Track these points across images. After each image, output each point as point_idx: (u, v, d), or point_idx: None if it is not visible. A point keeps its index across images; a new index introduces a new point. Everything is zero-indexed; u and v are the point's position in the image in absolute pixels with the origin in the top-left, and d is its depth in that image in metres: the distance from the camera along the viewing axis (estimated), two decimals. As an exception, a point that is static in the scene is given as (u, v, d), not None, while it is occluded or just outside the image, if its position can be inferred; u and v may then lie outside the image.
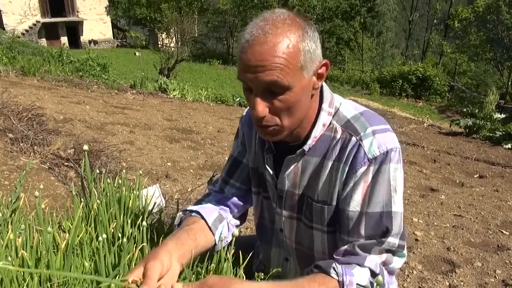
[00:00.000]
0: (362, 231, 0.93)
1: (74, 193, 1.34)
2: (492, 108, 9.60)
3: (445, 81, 21.69)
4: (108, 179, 1.36)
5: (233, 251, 1.01)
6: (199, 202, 1.16)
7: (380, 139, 0.92)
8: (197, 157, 3.79)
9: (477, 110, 8.82)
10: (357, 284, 0.89)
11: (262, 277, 1.01)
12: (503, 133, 6.88)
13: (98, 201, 1.24)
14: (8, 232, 1.02)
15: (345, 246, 0.94)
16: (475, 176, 4.64)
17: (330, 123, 0.98)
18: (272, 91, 0.86)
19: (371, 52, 34.30)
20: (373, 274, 0.92)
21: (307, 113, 0.95)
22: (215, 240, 1.06)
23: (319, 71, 0.91)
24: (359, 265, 0.91)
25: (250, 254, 1.08)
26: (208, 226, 1.05)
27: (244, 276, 1.05)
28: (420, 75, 20.68)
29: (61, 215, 1.40)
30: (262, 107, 0.87)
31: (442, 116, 16.18)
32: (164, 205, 2.30)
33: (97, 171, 1.41)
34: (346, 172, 0.94)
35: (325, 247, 1.04)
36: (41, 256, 0.97)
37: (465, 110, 9.79)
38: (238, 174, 1.17)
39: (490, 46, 24.40)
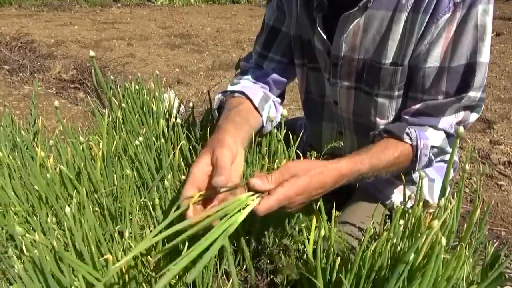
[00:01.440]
0: (441, 88, 0.82)
1: (93, 105, 1.23)
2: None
3: None
4: (126, 83, 1.23)
5: (284, 131, 0.91)
6: (236, 82, 1.03)
7: None
8: (203, 59, 3.59)
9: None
10: (431, 146, 0.82)
11: (316, 156, 0.94)
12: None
13: (123, 105, 1.13)
14: (37, 153, 0.94)
15: (417, 106, 0.84)
16: (492, 34, 4.37)
17: None
18: None
19: None
20: (448, 135, 0.84)
21: None
22: (263, 121, 0.95)
23: None
24: (433, 127, 0.83)
25: (301, 134, 1.00)
26: (255, 107, 0.94)
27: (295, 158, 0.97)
28: None
29: (86, 130, 1.31)
30: None
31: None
32: (184, 109, 2.21)
33: (111, 77, 1.27)
34: (425, 23, 0.79)
35: (390, 114, 0.93)
36: (80, 169, 0.89)
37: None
38: (277, 45, 1.01)
39: None
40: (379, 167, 0.79)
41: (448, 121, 0.84)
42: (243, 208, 0.62)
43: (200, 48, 3.99)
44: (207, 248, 0.57)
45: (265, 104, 0.96)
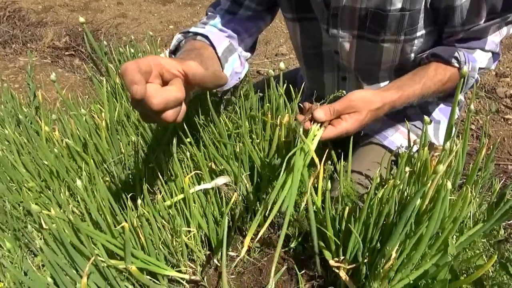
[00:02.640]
0: (482, 14, 0.81)
1: (90, 73, 1.21)
2: None
3: None
4: (120, 48, 1.20)
5: (285, 85, 0.90)
6: (201, 25, 0.93)
7: None
8: (197, 12, 3.47)
9: None
10: (479, 68, 0.85)
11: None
12: None
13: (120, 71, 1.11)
14: (42, 128, 0.94)
15: (461, 34, 0.85)
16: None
17: None
18: None
19: None
20: (494, 54, 0.87)
21: None
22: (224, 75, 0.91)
23: None
24: (481, 49, 0.85)
25: (302, 86, 0.98)
26: (218, 56, 0.83)
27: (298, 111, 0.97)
28: None
29: (87, 99, 1.31)
30: None
31: None
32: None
33: (105, 43, 1.24)
34: None
35: (396, 57, 0.92)
36: (86, 140, 0.90)
37: None
38: None
39: None
40: (427, 94, 0.83)
41: (493, 41, 0.85)
42: (313, 139, 0.71)
43: (193, 1, 3.85)
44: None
45: (229, 55, 0.87)
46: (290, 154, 0.66)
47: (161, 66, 0.50)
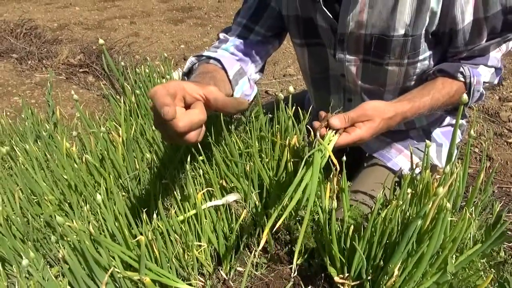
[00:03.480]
0: (484, 35, 0.87)
1: (106, 91, 1.27)
2: None
3: None
4: (136, 68, 1.26)
5: (293, 108, 0.95)
6: (213, 49, 0.98)
7: None
8: (207, 32, 3.57)
9: None
10: (483, 82, 0.89)
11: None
12: None
13: (136, 91, 1.17)
14: (61, 143, 0.99)
15: (464, 54, 0.90)
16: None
17: None
18: None
19: None
20: (496, 69, 0.92)
21: None
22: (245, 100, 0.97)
23: None
24: (484, 65, 0.90)
25: (310, 109, 1.03)
26: (229, 79, 0.88)
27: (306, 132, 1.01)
28: None
29: (102, 116, 1.36)
30: None
31: None
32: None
33: (122, 63, 1.30)
34: None
35: (400, 79, 0.97)
36: (103, 157, 0.95)
37: None
38: (265, 19, 1.01)
39: None
40: (436, 106, 0.87)
41: (495, 57, 0.90)
42: (328, 143, 0.75)
43: (203, 21, 3.96)
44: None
45: (239, 78, 0.92)
46: (307, 155, 0.71)
47: (184, 90, 0.54)
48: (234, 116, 1.13)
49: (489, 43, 0.88)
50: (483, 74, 0.90)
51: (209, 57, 0.92)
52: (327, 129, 0.78)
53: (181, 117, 0.51)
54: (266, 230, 0.62)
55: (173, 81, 0.55)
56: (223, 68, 0.89)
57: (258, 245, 0.89)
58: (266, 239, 0.75)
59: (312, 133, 0.80)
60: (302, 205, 0.92)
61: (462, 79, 0.88)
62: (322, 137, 0.76)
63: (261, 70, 1.07)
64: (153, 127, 1.02)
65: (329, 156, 0.73)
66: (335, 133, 0.77)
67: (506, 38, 0.88)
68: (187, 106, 0.55)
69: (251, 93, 0.96)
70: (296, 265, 0.87)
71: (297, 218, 0.92)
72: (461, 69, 0.88)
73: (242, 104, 0.56)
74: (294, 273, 0.84)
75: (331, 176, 0.83)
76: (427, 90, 0.88)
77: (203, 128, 0.56)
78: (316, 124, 0.78)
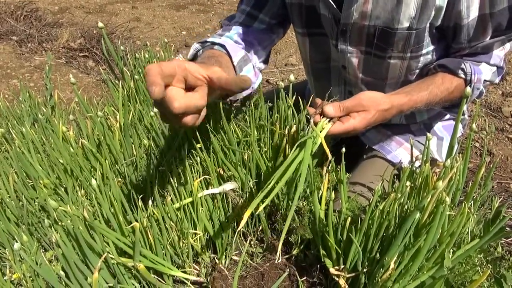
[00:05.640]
0: (488, 32, 0.85)
1: (105, 76, 1.26)
2: None
3: None
4: (136, 54, 1.25)
5: (294, 97, 0.93)
6: (218, 36, 0.97)
7: None
8: (209, 19, 3.53)
9: None
10: (484, 80, 0.88)
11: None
12: None
13: (135, 76, 1.15)
14: (58, 127, 0.98)
15: (467, 50, 0.89)
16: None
17: None
18: None
19: None
20: (498, 68, 0.90)
21: None
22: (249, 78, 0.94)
23: None
24: (486, 63, 0.89)
25: (310, 99, 1.01)
26: (233, 65, 0.87)
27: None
28: None
29: (101, 101, 1.35)
30: None
31: None
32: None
33: (122, 48, 1.28)
34: None
35: (402, 73, 0.95)
36: (100, 141, 0.94)
37: None
38: (269, 7, 1.00)
39: None
40: (434, 101, 0.86)
41: (498, 56, 0.89)
42: (321, 131, 0.74)
43: (206, 7, 3.91)
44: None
45: (244, 65, 0.91)
46: (299, 141, 0.70)
47: (186, 70, 0.53)
48: (234, 104, 1.11)
49: (492, 40, 0.86)
50: (484, 72, 0.88)
51: (214, 43, 0.91)
52: (321, 116, 0.77)
53: (177, 97, 0.50)
54: (249, 211, 0.61)
55: (176, 60, 0.54)
56: (228, 53, 0.88)
57: (254, 234, 0.89)
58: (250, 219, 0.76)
59: (306, 119, 0.80)
60: (294, 191, 0.92)
61: (462, 75, 0.87)
62: (316, 124, 0.75)
63: (266, 59, 1.06)
64: (151, 112, 1.01)
65: (322, 146, 0.73)
66: (329, 121, 0.76)
67: (510, 36, 0.86)
68: (191, 88, 0.54)
69: (255, 81, 0.95)
70: (292, 255, 0.87)
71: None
72: (462, 66, 0.86)
73: (246, 82, 0.54)
74: (279, 259, 0.84)
75: (327, 166, 0.82)
76: (425, 85, 0.86)
77: (203, 113, 0.55)
78: (311, 110, 0.77)
